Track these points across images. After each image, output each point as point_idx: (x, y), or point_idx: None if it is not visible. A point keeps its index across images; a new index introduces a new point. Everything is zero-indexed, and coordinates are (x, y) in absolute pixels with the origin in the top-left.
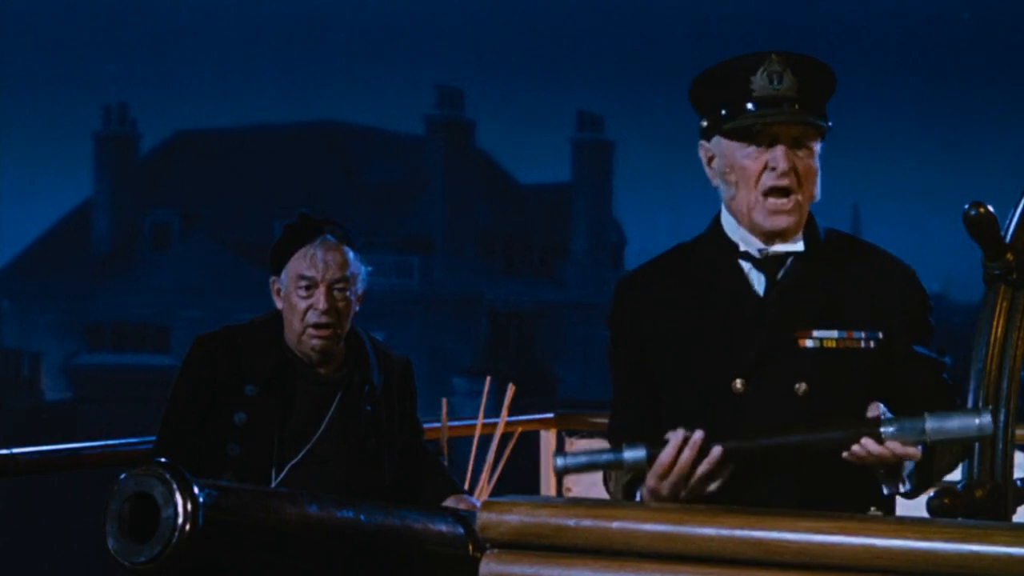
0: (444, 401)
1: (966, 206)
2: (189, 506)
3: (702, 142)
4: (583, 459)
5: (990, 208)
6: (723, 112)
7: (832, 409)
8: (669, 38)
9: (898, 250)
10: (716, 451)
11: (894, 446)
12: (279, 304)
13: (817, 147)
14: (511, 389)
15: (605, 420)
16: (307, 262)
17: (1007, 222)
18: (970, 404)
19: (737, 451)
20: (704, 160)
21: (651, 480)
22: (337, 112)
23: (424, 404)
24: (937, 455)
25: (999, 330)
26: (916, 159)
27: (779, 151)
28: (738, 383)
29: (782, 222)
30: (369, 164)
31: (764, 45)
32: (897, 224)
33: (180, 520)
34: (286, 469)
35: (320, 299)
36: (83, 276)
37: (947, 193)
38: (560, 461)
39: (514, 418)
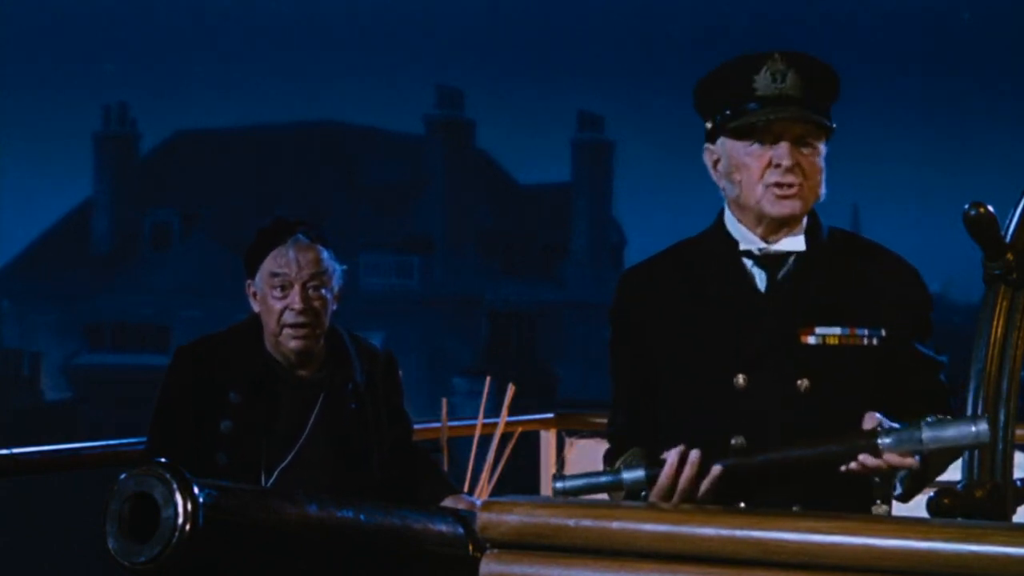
0: (444, 401)
1: (966, 206)
2: (189, 506)
3: (707, 145)
4: (581, 481)
5: (990, 208)
6: (727, 112)
7: (834, 406)
8: (670, 38)
9: (898, 250)
10: (716, 470)
11: (891, 458)
12: (256, 307)
13: (822, 147)
14: (511, 389)
15: (605, 420)
16: (280, 262)
17: (1007, 222)
18: (969, 404)
19: (736, 467)
20: (709, 164)
21: (653, 499)
22: (337, 112)
23: (424, 404)
24: (932, 461)
25: (999, 330)
26: (916, 159)
27: (783, 147)
28: (740, 379)
29: (788, 208)
30: (369, 164)
31: (764, 45)
32: (897, 224)
33: (180, 520)
34: (275, 474)
35: (295, 298)
36: (83, 276)
37: (947, 193)
38: (560, 484)
39: (514, 418)
